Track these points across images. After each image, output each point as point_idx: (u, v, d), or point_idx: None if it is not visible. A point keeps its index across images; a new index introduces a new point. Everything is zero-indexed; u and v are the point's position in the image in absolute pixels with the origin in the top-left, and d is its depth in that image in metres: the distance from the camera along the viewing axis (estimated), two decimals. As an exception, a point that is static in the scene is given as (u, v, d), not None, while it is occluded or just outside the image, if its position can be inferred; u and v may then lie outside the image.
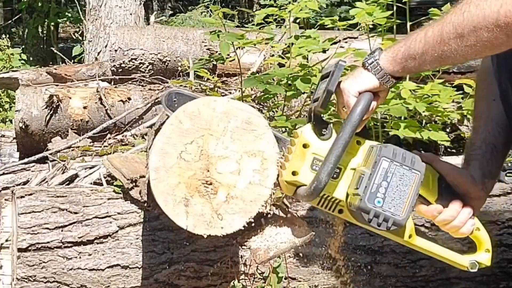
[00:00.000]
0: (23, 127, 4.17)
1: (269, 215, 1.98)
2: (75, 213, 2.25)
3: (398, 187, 1.56)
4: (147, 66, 4.80)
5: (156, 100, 4.32)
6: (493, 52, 1.53)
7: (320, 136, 1.64)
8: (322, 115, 1.65)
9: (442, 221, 1.68)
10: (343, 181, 1.63)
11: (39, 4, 10.04)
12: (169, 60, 4.81)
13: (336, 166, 1.57)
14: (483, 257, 1.73)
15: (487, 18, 1.42)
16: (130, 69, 4.78)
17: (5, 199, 2.36)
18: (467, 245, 2.43)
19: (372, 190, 1.55)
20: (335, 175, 1.61)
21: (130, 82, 4.65)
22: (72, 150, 3.83)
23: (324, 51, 3.55)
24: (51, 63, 8.27)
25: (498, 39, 1.43)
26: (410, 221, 1.65)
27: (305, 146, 1.64)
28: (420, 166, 1.58)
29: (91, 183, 3.01)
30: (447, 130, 3.60)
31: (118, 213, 2.28)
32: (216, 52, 4.58)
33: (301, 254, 2.35)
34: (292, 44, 3.56)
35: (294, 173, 1.65)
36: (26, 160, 3.83)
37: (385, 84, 1.61)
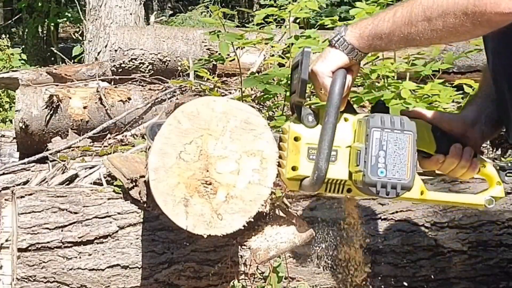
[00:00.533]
0: (23, 127, 4.17)
1: (269, 215, 1.98)
2: (75, 213, 2.25)
3: (395, 152, 1.57)
4: (147, 66, 4.80)
5: (156, 100, 4.32)
6: (457, 39, 1.55)
7: (307, 125, 1.64)
8: (303, 105, 1.65)
9: (447, 168, 1.70)
10: (342, 161, 1.63)
11: (39, 4, 10.04)
12: (169, 60, 4.82)
13: (331, 149, 1.58)
14: (497, 190, 1.74)
15: (456, 5, 1.44)
16: (130, 69, 4.79)
17: (5, 199, 2.35)
18: (467, 245, 2.43)
19: (372, 163, 1.56)
20: (333, 158, 1.62)
21: (130, 82, 4.65)
22: (72, 150, 3.83)
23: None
24: (51, 63, 8.27)
25: (463, 26, 1.45)
26: (418, 179, 1.66)
27: (296, 139, 1.64)
28: (410, 125, 1.59)
29: (91, 183, 3.01)
30: (447, 130, 3.59)
31: (118, 213, 2.28)
32: (216, 52, 4.58)
33: (301, 254, 2.35)
34: (292, 44, 3.56)
35: (294, 168, 1.65)
36: (26, 160, 3.83)
37: (355, 58, 1.61)
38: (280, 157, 1.72)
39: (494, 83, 1.72)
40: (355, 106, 3.83)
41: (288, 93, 3.37)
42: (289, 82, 3.30)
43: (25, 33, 10.60)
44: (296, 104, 1.66)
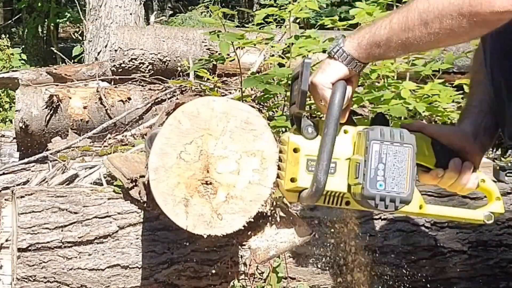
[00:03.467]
0: (23, 127, 4.17)
1: (268, 215, 1.98)
2: (75, 213, 2.25)
3: (395, 165, 1.56)
4: (147, 66, 4.80)
5: (156, 100, 4.32)
6: (454, 42, 1.55)
7: (307, 136, 1.63)
8: (303, 116, 1.65)
9: (446, 183, 1.69)
10: (341, 174, 1.63)
11: (39, 4, 10.04)
12: (169, 60, 4.82)
13: (330, 162, 1.57)
14: (496, 206, 1.73)
15: (451, 6, 1.43)
16: (130, 69, 4.79)
17: (5, 199, 2.36)
18: (467, 245, 2.44)
19: (371, 175, 1.55)
20: (332, 170, 1.61)
21: (130, 82, 4.65)
22: (72, 150, 3.83)
23: (324, 51, 3.55)
24: (51, 63, 8.27)
25: (460, 27, 1.44)
26: (417, 193, 1.65)
27: (295, 150, 1.63)
28: (410, 138, 1.58)
29: (91, 183, 3.01)
30: (447, 130, 3.59)
31: (118, 213, 2.28)
32: (216, 52, 4.58)
33: (301, 254, 2.35)
34: (292, 44, 3.56)
35: (292, 180, 1.64)
36: (26, 160, 3.83)
37: (354, 69, 1.60)
38: (279, 168, 1.71)
39: (491, 80, 1.72)
40: (355, 106, 3.83)
41: (288, 93, 3.37)
42: (289, 82, 3.31)
43: (25, 33, 10.60)
44: (296, 115, 1.65)
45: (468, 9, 1.41)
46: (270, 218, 1.95)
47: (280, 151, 1.71)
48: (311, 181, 1.59)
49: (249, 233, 1.98)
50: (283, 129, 3.27)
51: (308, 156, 1.62)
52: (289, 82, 3.29)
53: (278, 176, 1.72)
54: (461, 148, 1.70)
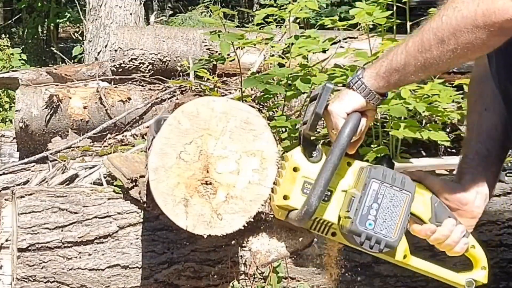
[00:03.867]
0: (23, 127, 4.17)
1: (269, 218, 1.97)
2: (75, 213, 2.25)
3: (389, 209, 1.55)
4: (147, 66, 4.80)
5: (156, 100, 4.32)
6: (474, 55, 1.52)
7: (310, 159, 1.63)
8: (311, 138, 1.64)
9: (435, 240, 1.67)
10: (334, 204, 1.62)
11: (39, 4, 10.05)
12: (169, 60, 4.81)
13: (326, 189, 1.56)
14: (480, 274, 1.71)
15: (465, 19, 1.41)
16: (130, 69, 4.78)
17: (5, 199, 2.36)
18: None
19: (363, 212, 1.54)
20: (326, 198, 1.60)
21: (130, 82, 4.65)
22: (72, 150, 3.83)
23: (324, 51, 3.55)
24: (51, 63, 8.27)
25: (478, 39, 1.41)
26: (404, 242, 1.65)
27: (295, 169, 1.63)
28: (410, 186, 1.57)
29: (91, 183, 3.01)
30: (447, 130, 3.59)
31: (118, 213, 2.28)
32: (216, 52, 4.58)
33: (301, 254, 2.35)
34: (292, 44, 3.55)
35: (285, 197, 1.63)
36: (26, 160, 3.83)
37: (371, 101, 1.58)
38: (274, 183, 1.71)
39: (498, 85, 1.70)
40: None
41: (288, 93, 3.37)
42: (289, 82, 3.32)
43: (25, 33, 10.60)
44: (305, 135, 1.63)
45: (482, 20, 1.39)
46: (271, 221, 1.94)
47: (280, 166, 1.70)
48: (303, 203, 1.58)
49: (249, 234, 1.97)
50: (283, 129, 3.27)
51: (306, 178, 1.62)
52: (289, 82, 3.30)
53: (272, 190, 1.71)
54: (459, 208, 1.69)
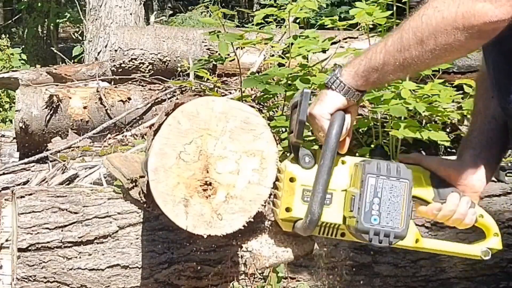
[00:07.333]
0: (23, 127, 4.17)
1: (270, 221, 1.97)
2: (75, 213, 2.25)
3: (390, 200, 1.55)
4: (147, 66, 4.80)
5: (156, 100, 4.32)
6: (453, 57, 1.51)
7: (303, 166, 1.63)
8: (300, 146, 1.64)
9: (443, 217, 1.67)
10: (336, 205, 1.62)
11: (39, 4, 10.05)
12: (169, 60, 4.82)
13: (326, 193, 1.57)
14: (494, 242, 1.73)
15: (445, 20, 1.41)
16: (130, 69, 4.79)
17: (5, 199, 2.36)
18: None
19: (366, 209, 1.54)
20: (327, 201, 1.60)
21: (130, 82, 4.65)
22: (72, 150, 3.83)
23: (324, 51, 3.55)
24: (51, 63, 8.27)
25: (456, 41, 1.42)
26: (413, 227, 1.64)
27: (291, 180, 1.63)
28: (406, 173, 1.57)
29: (91, 183, 3.02)
30: (447, 130, 3.60)
31: (118, 213, 2.28)
32: (216, 52, 4.58)
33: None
34: (292, 44, 3.56)
35: (287, 210, 1.63)
36: (26, 160, 3.84)
37: (352, 99, 1.58)
38: (275, 196, 1.70)
39: (497, 97, 1.69)
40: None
41: (287, 93, 3.37)
42: (289, 82, 3.32)
43: (25, 33, 10.60)
44: (294, 144, 1.64)
45: (462, 22, 1.39)
46: (271, 225, 1.94)
47: (277, 179, 1.70)
48: (306, 213, 1.58)
49: (249, 235, 1.97)
50: (283, 129, 3.27)
51: (304, 186, 1.61)
52: (289, 82, 3.30)
53: (274, 205, 1.71)
54: (459, 182, 1.69)
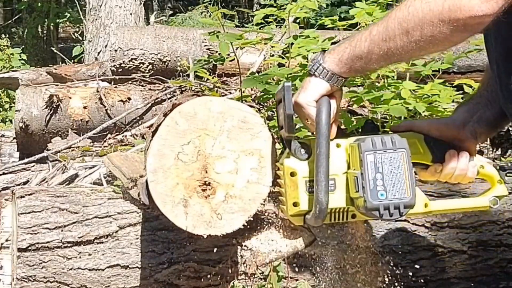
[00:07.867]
0: (23, 127, 4.17)
1: (269, 218, 1.98)
2: (75, 213, 2.25)
3: (392, 172, 1.56)
4: (147, 66, 4.80)
5: (156, 100, 4.33)
6: (436, 49, 1.53)
7: (301, 158, 1.63)
8: (293, 139, 1.64)
9: (446, 176, 1.68)
10: (341, 189, 1.62)
11: (39, 4, 10.05)
12: (169, 60, 4.82)
13: (328, 180, 1.57)
14: (499, 189, 1.73)
15: (431, 12, 1.43)
16: (130, 69, 4.79)
17: (5, 199, 2.36)
18: (467, 245, 2.43)
19: (371, 187, 1.55)
20: (332, 188, 1.60)
21: (130, 82, 4.66)
22: (72, 150, 3.84)
23: (323, 51, 3.54)
24: (51, 63, 8.28)
25: (441, 34, 1.43)
26: (420, 193, 1.66)
27: (292, 174, 1.63)
28: (401, 143, 1.58)
29: (91, 183, 3.02)
30: (447, 130, 3.59)
31: (118, 213, 2.28)
32: (216, 52, 4.58)
33: (301, 254, 2.35)
34: (292, 44, 3.56)
35: (295, 204, 1.63)
36: (26, 160, 3.84)
37: (336, 84, 1.59)
38: (280, 194, 1.70)
39: (500, 92, 1.70)
40: (354, 106, 3.81)
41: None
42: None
43: (25, 33, 10.61)
44: (286, 139, 1.64)
45: (448, 15, 1.41)
46: (271, 221, 1.94)
47: (278, 177, 1.70)
48: (313, 204, 1.58)
49: (249, 233, 1.98)
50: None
51: (305, 178, 1.62)
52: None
53: (281, 202, 1.71)
54: (453, 138, 1.70)
